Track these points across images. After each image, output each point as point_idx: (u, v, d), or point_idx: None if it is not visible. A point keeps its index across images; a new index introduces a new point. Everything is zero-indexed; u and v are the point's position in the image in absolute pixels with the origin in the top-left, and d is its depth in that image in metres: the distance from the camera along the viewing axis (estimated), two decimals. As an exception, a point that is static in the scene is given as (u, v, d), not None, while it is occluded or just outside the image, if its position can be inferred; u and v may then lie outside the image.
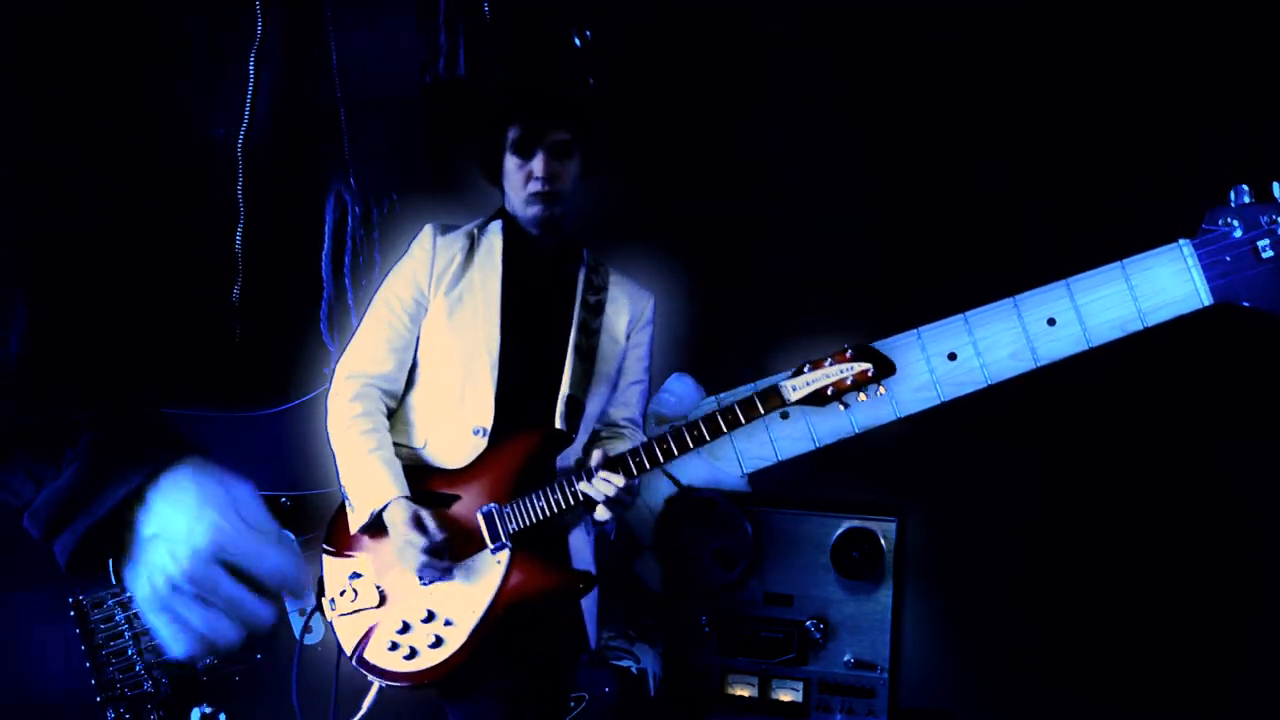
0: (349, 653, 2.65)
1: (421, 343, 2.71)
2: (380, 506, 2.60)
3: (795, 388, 2.52)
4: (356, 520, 2.64)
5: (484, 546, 2.61)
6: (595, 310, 2.73)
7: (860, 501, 2.92)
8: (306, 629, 2.89)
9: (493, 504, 2.62)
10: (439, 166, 2.89)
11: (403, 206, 2.87)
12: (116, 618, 2.83)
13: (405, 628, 2.62)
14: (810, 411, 2.87)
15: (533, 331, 2.69)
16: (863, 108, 3.41)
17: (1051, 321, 2.82)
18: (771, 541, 2.89)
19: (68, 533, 2.70)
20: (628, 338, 2.76)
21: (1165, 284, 2.79)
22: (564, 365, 2.68)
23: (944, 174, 3.32)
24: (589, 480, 2.56)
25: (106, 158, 2.79)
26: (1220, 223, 2.77)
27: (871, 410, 2.88)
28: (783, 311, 3.25)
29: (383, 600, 2.65)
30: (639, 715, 2.96)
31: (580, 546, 2.70)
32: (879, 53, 3.39)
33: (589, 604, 2.69)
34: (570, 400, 2.66)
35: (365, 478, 2.63)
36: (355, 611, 2.65)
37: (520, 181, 2.67)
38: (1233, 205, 2.76)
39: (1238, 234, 2.75)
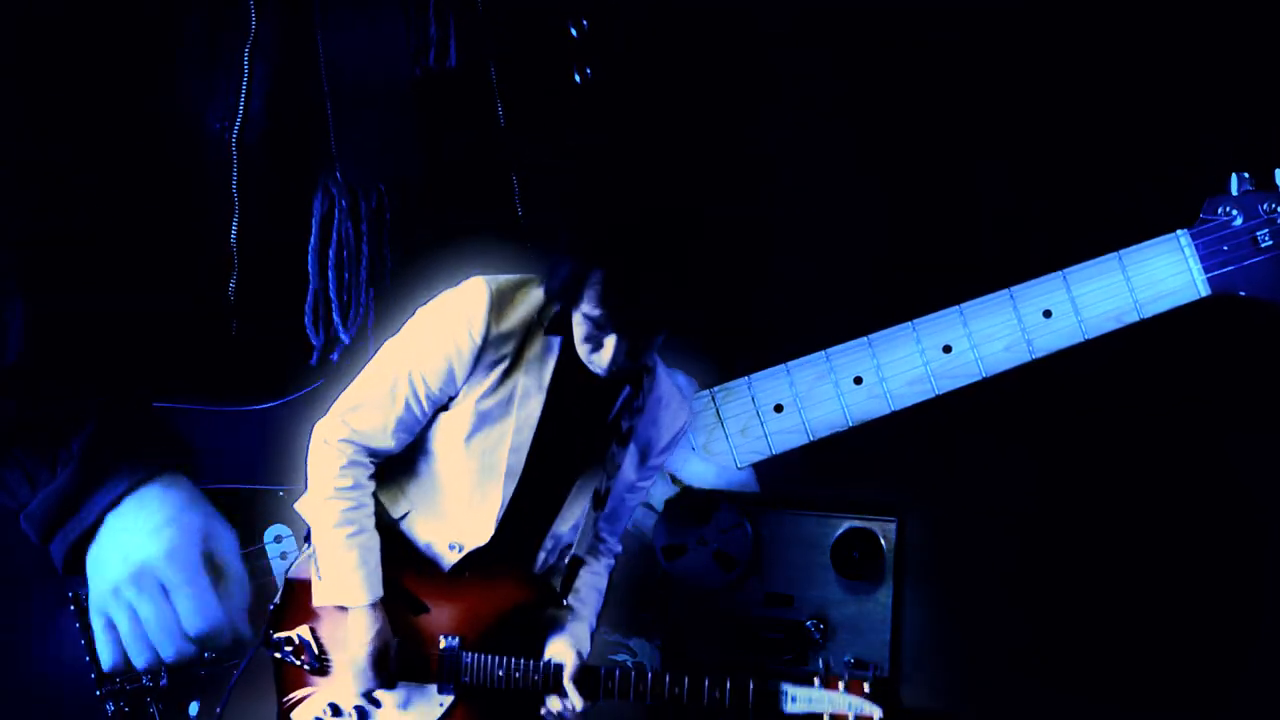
0: (280, 700, 2.53)
1: (436, 438, 2.43)
2: (346, 606, 2.41)
3: (795, 699, 2.39)
4: (319, 596, 2.44)
5: (432, 679, 2.44)
6: (624, 439, 2.43)
7: (860, 501, 2.91)
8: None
9: (455, 642, 2.43)
10: (429, 159, 2.88)
11: (391, 199, 2.87)
12: (115, 612, 2.84)
13: (336, 711, 2.48)
14: (804, 405, 2.85)
15: (554, 469, 2.42)
16: (863, 107, 3.41)
17: (1047, 313, 2.80)
18: (771, 541, 2.88)
19: (60, 537, 2.73)
20: (650, 460, 2.51)
21: (1162, 275, 2.76)
22: (563, 505, 2.45)
23: (943, 172, 3.33)
24: (555, 692, 2.40)
25: (106, 156, 2.82)
26: (1219, 212, 2.75)
27: (866, 403, 2.86)
28: (781, 305, 3.24)
29: (324, 670, 2.50)
30: (633, 709, 2.94)
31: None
32: (879, 52, 3.40)
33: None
34: (573, 564, 2.47)
35: (336, 565, 2.40)
36: (294, 664, 2.52)
37: (585, 342, 2.29)
38: (1233, 194, 2.74)
39: (1237, 223, 2.73)
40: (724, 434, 2.92)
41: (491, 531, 2.41)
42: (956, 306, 2.84)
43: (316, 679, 2.51)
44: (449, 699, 2.44)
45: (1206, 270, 2.75)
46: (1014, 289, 2.82)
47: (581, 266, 2.21)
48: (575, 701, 2.40)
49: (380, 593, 2.42)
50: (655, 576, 2.87)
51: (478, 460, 2.39)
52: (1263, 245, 2.71)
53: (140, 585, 2.72)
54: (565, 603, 2.50)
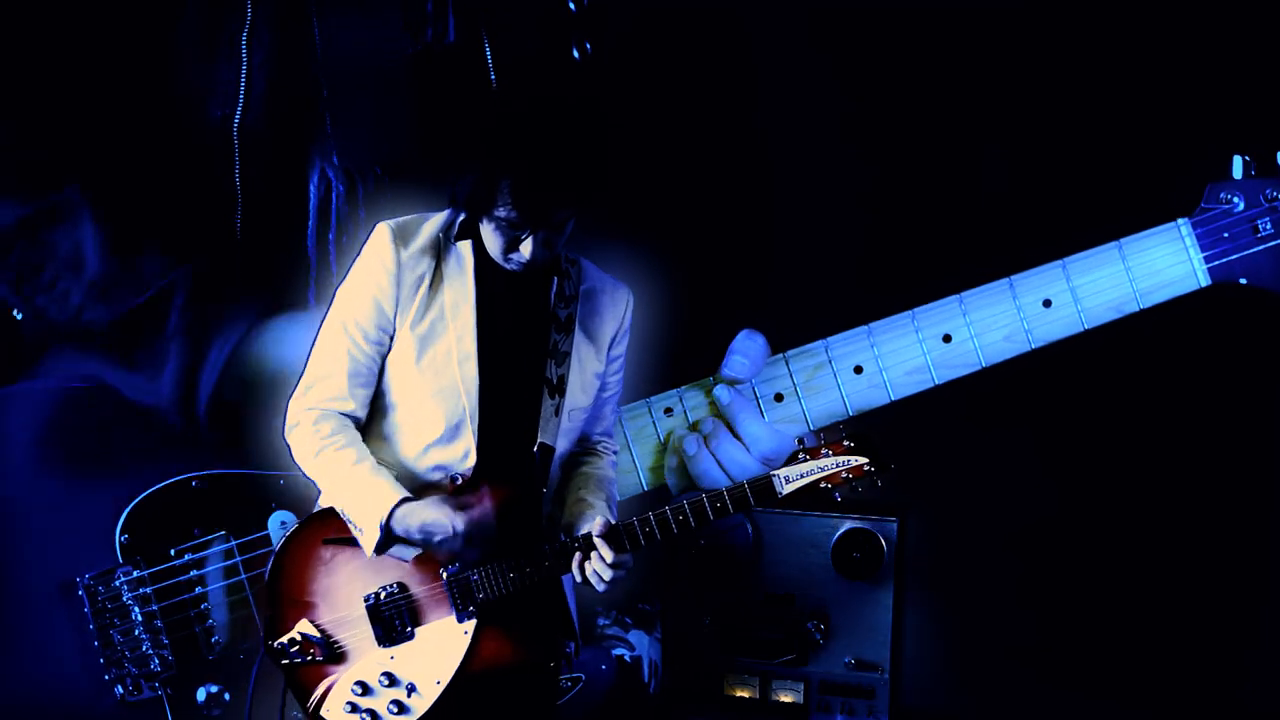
0: (307, 707, 2.49)
1: (389, 377, 2.47)
2: (387, 514, 2.38)
3: (789, 478, 2.42)
4: (367, 541, 2.42)
5: (449, 611, 2.45)
6: (566, 327, 2.47)
7: (860, 501, 2.90)
8: None
9: (455, 567, 2.44)
10: (425, 138, 2.88)
11: (389, 180, 2.87)
12: (124, 597, 2.88)
13: (365, 690, 2.47)
14: (805, 394, 2.82)
15: (509, 365, 2.46)
16: (860, 93, 3.39)
17: (1047, 303, 2.78)
18: (771, 541, 2.88)
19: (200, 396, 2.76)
20: (609, 352, 2.55)
21: (1162, 264, 2.73)
22: (539, 405, 2.46)
23: (942, 159, 3.30)
24: (586, 557, 2.40)
25: (107, 152, 2.85)
26: (1220, 198, 2.70)
27: (865, 393, 2.85)
28: (780, 295, 3.23)
29: (337, 654, 2.49)
30: (633, 700, 2.97)
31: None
32: (880, 40, 3.38)
33: (569, 589, 2.54)
34: (542, 449, 2.45)
35: (360, 491, 2.41)
36: (308, 662, 2.49)
37: (498, 247, 2.36)
38: (1234, 179, 2.70)
39: (1238, 210, 2.69)
40: (727, 426, 2.92)
41: (474, 447, 2.43)
42: (956, 295, 2.82)
43: (332, 667, 2.49)
44: (471, 624, 2.44)
45: (1207, 259, 2.71)
46: (1014, 278, 2.80)
47: (489, 173, 2.27)
48: (606, 554, 2.37)
49: (407, 492, 2.41)
50: (656, 572, 2.88)
51: (432, 381, 2.43)
52: (1263, 233, 2.67)
53: None
54: (580, 497, 2.50)
